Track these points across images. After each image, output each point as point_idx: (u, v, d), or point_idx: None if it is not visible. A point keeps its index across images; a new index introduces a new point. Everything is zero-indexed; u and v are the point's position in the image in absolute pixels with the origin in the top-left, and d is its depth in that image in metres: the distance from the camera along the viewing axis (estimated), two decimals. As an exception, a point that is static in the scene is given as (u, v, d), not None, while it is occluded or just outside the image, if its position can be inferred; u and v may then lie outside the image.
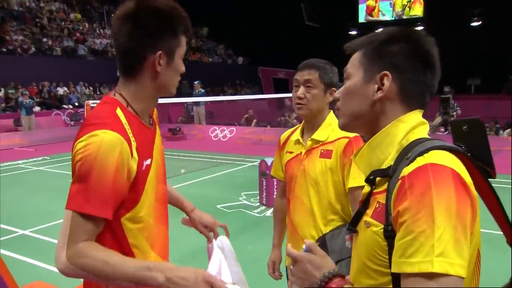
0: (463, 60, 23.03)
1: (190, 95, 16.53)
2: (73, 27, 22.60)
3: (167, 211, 1.56)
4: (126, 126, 1.32)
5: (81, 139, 1.27)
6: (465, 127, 1.07)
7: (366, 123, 1.11)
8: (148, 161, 1.39)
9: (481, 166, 1.01)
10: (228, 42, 30.22)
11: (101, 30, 23.71)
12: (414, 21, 23.87)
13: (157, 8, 1.34)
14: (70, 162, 1.33)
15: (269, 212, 6.29)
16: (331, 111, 2.08)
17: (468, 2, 21.68)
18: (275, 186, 6.59)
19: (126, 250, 1.36)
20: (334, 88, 1.99)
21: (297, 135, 2.14)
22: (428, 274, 0.84)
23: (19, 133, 14.41)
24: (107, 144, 1.24)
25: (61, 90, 18.82)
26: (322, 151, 2.01)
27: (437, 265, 0.83)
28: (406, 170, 0.94)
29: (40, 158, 11.24)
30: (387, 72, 1.05)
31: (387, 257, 0.95)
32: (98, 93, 19.95)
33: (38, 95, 17.67)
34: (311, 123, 2.08)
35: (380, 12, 24.43)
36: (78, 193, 1.25)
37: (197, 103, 16.14)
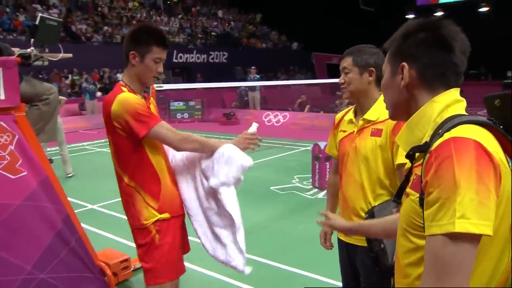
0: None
1: (243, 80, 16.75)
2: (131, 15, 23.43)
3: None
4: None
5: (113, 103, 2.18)
6: (497, 101, 1.18)
7: (403, 110, 1.25)
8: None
9: None
10: (282, 27, 30.15)
11: (158, 17, 24.40)
12: (478, 1, 22.81)
13: (140, 29, 2.34)
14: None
15: (322, 195, 6.41)
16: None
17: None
18: (328, 170, 6.68)
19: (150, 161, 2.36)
20: (371, 68, 2.12)
21: (350, 115, 2.28)
22: (451, 234, 0.96)
23: (84, 117, 15.31)
24: (130, 96, 2.20)
25: (120, 76, 19.61)
26: (373, 130, 2.13)
27: (458, 225, 0.95)
28: (434, 145, 1.06)
29: (102, 140, 11.87)
30: (403, 63, 1.20)
31: (422, 222, 1.07)
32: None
33: (100, 81, 18.55)
34: (360, 104, 2.21)
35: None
36: (139, 122, 2.17)
37: (252, 88, 16.34)
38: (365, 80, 2.13)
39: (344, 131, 2.27)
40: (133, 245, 4.45)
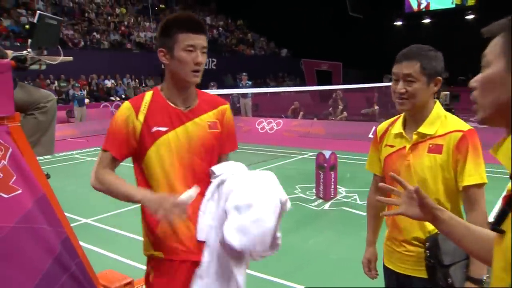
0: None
1: (233, 87, 16.48)
2: (119, 21, 23.07)
3: (197, 177, 1.94)
4: (145, 101, 1.92)
5: None
6: None
7: (507, 113, 0.96)
8: (161, 128, 1.89)
9: None
10: (270, 34, 30.04)
11: (146, 24, 24.05)
12: (465, 9, 22.97)
13: (162, 24, 1.93)
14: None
15: (327, 206, 6.15)
16: (437, 101, 1.92)
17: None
18: (333, 180, 6.43)
19: (148, 186, 1.93)
20: (439, 77, 1.83)
21: (398, 127, 1.97)
22: None
23: (72, 124, 14.87)
24: (121, 108, 1.94)
25: (108, 83, 19.28)
26: (430, 145, 1.84)
27: None
28: None
29: (92, 149, 11.49)
30: None
31: None
32: (143, 85, 20.27)
33: (87, 87, 18.15)
34: (416, 116, 1.91)
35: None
36: (106, 136, 1.96)
37: (244, 95, 16.11)
38: (431, 90, 1.84)
39: (392, 146, 1.97)
40: (136, 264, 4.18)
